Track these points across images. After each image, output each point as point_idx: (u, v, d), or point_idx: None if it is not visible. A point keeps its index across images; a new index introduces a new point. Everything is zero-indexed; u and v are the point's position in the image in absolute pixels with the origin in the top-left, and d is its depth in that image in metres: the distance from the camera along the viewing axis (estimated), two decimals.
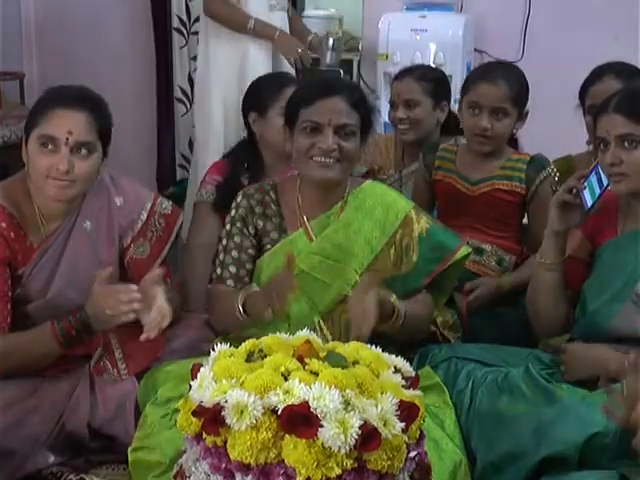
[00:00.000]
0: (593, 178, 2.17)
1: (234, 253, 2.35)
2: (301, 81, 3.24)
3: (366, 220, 2.32)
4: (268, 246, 2.34)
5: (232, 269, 2.34)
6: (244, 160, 2.98)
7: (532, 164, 2.76)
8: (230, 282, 2.34)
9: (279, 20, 3.75)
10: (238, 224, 2.36)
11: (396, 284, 2.27)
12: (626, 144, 2.10)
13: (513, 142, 2.89)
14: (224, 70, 3.70)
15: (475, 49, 4.37)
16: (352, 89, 2.33)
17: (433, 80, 3.10)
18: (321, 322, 2.27)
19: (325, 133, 2.23)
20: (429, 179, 2.90)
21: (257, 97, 2.96)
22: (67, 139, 2.17)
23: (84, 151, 2.20)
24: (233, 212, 2.38)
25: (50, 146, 2.18)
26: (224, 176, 2.98)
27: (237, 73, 3.67)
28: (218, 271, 2.36)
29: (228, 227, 2.38)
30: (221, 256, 2.37)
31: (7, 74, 4.75)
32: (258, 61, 3.67)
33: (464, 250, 2.34)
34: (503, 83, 2.71)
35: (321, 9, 5.00)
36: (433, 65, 3.88)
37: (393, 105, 3.11)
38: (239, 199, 2.39)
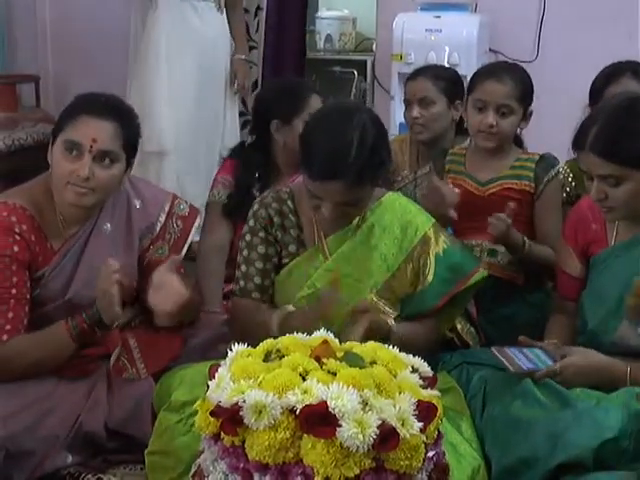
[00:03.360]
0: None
1: (258, 264, 2.28)
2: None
3: (384, 237, 2.25)
4: (286, 260, 2.28)
5: (257, 280, 2.27)
6: (255, 167, 2.99)
7: (541, 163, 2.76)
8: (256, 294, 2.27)
9: None
10: (261, 234, 2.28)
11: (410, 303, 2.24)
12: (608, 182, 2.07)
13: (518, 142, 2.89)
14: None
15: (490, 49, 4.36)
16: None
17: (447, 79, 3.10)
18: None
19: None
20: None
21: (281, 105, 2.96)
22: (91, 146, 2.17)
23: (107, 160, 2.20)
24: (252, 222, 2.30)
25: (74, 152, 2.18)
26: (234, 178, 2.99)
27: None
28: (241, 283, 2.29)
29: (249, 238, 2.30)
30: (243, 268, 2.30)
31: (22, 77, 4.78)
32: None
33: (479, 274, 2.28)
34: (509, 81, 2.71)
35: (334, 10, 5.02)
36: (447, 65, 3.88)
37: (407, 105, 3.11)
38: (256, 208, 2.31)
